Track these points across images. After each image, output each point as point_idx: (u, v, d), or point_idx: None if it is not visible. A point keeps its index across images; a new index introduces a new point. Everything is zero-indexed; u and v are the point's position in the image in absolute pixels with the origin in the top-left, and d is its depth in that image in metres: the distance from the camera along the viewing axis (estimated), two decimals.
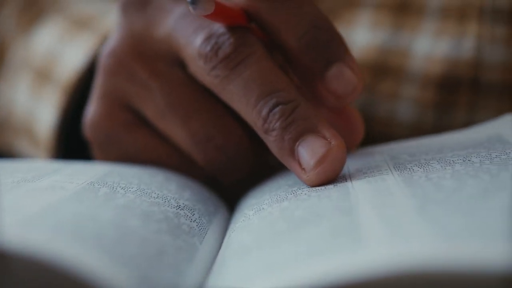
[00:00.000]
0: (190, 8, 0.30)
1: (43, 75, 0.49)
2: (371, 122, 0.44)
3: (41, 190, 0.29)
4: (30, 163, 0.38)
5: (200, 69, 0.34)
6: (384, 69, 0.44)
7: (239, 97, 0.33)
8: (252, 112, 0.32)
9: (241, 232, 0.30)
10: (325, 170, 0.31)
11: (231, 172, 0.37)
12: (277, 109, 0.32)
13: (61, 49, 0.48)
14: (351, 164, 0.34)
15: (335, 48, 0.33)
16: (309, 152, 0.31)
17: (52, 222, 0.25)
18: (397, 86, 0.44)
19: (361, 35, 0.45)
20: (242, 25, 0.34)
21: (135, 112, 0.38)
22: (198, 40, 0.34)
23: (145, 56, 0.37)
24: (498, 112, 0.43)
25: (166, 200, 0.32)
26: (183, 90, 0.36)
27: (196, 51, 0.33)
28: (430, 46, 0.44)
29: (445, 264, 0.21)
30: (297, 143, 0.31)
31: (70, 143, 0.45)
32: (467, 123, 0.43)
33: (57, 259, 0.22)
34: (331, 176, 0.31)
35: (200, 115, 0.36)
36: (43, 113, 0.47)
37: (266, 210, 0.31)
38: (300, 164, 0.31)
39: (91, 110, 0.39)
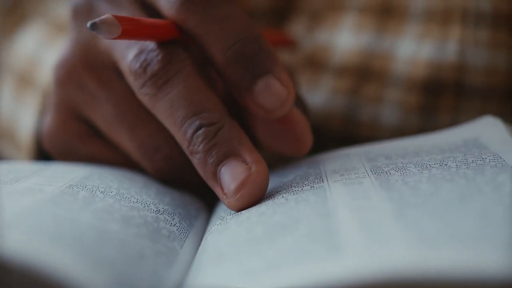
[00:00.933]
0: (94, 32, 0.30)
1: (25, 79, 0.49)
2: (355, 126, 0.45)
3: (19, 193, 0.30)
4: (11, 165, 0.38)
5: (132, 85, 0.34)
6: (368, 72, 0.45)
7: (166, 116, 0.33)
8: (178, 132, 0.32)
9: (217, 236, 0.30)
10: (244, 196, 0.31)
11: (181, 180, 0.37)
12: (200, 131, 0.32)
13: (43, 53, 0.49)
14: (328, 164, 0.35)
15: (262, 61, 0.32)
16: (229, 177, 0.31)
17: (30, 224, 0.25)
18: (381, 89, 0.44)
19: (345, 38, 0.45)
20: (174, 39, 0.34)
21: (88, 122, 0.38)
22: (130, 56, 0.34)
23: (93, 66, 0.37)
24: (481, 114, 0.43)
25: (146, 205, 0.32)
26: (129, 100, 0.36)
27: (127, 67, 0.34)
28: (414, 50, 0.44)
29: (423, 271, 0.21)
30: (219, 167, 0.32)
31: None
32: (451, 126, 0.43)
33: (33, 262, 0.22)
34: (251, 201, 0.31)
35: (147, 125, 0.36)
36: (25, 117, 0.47)
37: (243, 214, 0.31)
38: (222, 188, 0.32)
39: (47, 121, 0.39)
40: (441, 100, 0.44)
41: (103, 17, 0.30)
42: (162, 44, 0.33)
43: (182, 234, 0.32)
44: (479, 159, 0.32)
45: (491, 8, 0.43)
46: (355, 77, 0.45)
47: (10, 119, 0.49)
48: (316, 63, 0.46)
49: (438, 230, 0.24)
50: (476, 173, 0.30)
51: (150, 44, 0.33)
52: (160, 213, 0.32)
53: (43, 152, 0.45)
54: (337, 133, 0.45)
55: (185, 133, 0.32)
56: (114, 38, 0.30)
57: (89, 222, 0.27)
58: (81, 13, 0.37)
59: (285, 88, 0.33)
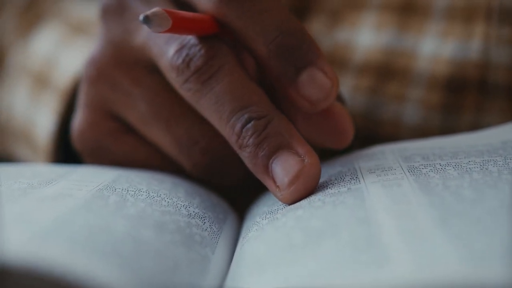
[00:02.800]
0: (145, 26, 0.29)
1: (41, 81, 0.48)
2: (377, 124, 0.44)
3: (50, 199, 0.29)
4: (33, 168, 0.37)
5: (173, 81, 0.33)
6: (389, 70, 0.44)
7: (212, 111, 0.32)
8: (225, 127, 0.32)
9: (254, 243, 0.29)
10: (299, 188, 0.31)
11: (220, 176, 0.36)
12: (250, 124, 0.31)
13: (59, 54, 0.48)
14: (362, 163, 0.34)
15: (305, 53, 0.32)
16: (282, 170, 0.31)
17: (66, 235, 0.24)
18: (403, 88, 0.44)
19: (366, 37, 0.45)
20: (214, 34, 0.33)
21: (121, 119, 0.37)
22: (170, 51, 0.33)
23: (125, 63, 0.36)
24: (505, 113, 0.43)
25: (177, 208, 0.31)
26: (164, 96, 0.35)
27: (168, 62, 0.33)
28: (436, 47, 0.43)
29: (475, 286, 0.21)
30: (271, 160, 0.31)
31: (68, 148, 0.44)
32: (474, 125, 0.42)
33: (74, 275, 0.21)
34: (304, 194, 0.31)
35: (183, 120, 0.35)
36: (42, 118, 0.46)
37: (280, 219, 0.30)
38: (274, 181, 0.31)
39: (78, 120, 0.38)
40: (464, 99, 0.43)
41: (154, 9, 0.30)
42: (203, 39, 0.33)
43: (213, 239, 0.31)
44: None
45: None
46: (377, 76, 0.44)
47: (26, 120, 0.48)
48: (337, 62, 0.45)
49: (484, 245, 0.23)
50: None
51: (191, 39, 0.33)
52: (191, 217, 0.31)
53: (61, 154, 0.44)
54: (358, 132, 0.44)
55: (233, 128, 0.31)
56: (164, 32, 0.30)
57: (123, 230, 0.26)
58: (112, 12, 0.36)
59: (329, 80, 0.32)
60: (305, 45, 0.32)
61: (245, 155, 0.32)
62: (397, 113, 0.44)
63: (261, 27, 0.32)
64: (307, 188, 0.31)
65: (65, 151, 0.44)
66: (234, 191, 0.38)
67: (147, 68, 0.36)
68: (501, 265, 0.22)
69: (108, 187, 0.31)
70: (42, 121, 0.46)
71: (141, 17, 0.29)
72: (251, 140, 0.31)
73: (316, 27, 0.46)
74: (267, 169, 0.31)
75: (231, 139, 0.32)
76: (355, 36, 0.45)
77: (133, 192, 0.31)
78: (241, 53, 0.35)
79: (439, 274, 0.21)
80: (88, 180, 0.32)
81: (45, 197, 0.29)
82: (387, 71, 0.44)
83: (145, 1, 0.35)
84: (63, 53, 0.47)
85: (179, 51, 0.33)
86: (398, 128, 0.44)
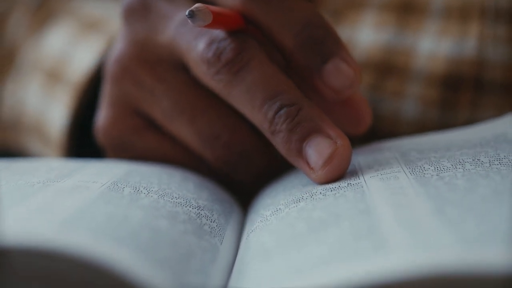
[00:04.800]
0: (189, 20, 0.32)
1: (54, 76, 0.50)
2: (376, 120, 0.46)
3: (68, 191, 0.30)
4: (47, 163, 0.39)
5: (203, 74, 0.35)
6: (388, 68, 0.46)
7: (244, 101, 0.34)
8: (258, 114, 0.34)
9: (260, 233, 0.31)
10: (333, 169, 0.33)
11: (241, 169, 0.38)
12: (282, 111, 0.33)
13: (72, 50, 0.49)
14: (361, 159, 0.36)
15: (330, 44, 0.35)
16: (316, 152, 0.33)
17: (89, 224, 0.26)
18: (401, 84, 0.46)
19: (366, 35, 0.46)
20: (241, 29, 0.35)
21: (144, 116, 0.39)
22: (200, 46, 0.35)
23: (149, 61, 0.38)
24: (500, 110, 0.44)
25: (187, 200, 0.33)
26: (187, 92, 0.37)
27: (199, 56, 0.35)
28: (434, 46, 0.45)
29: (468, 270, 0.22)
30: (304, 144, 0.33)
31: (80, 142, 0.46)
32: (470, 121, 0.44)
33: (100, 260, 0.23)
34: (338, 174, 0.33)
35: (206, 115, 0.37)
36: (54, 113, 0.48)
37: (283, 210, 0.32)
38: (308, 164, 0.33)
39: (102, 116, 0.40)
40: (460, 95, 0.45)
41: (197, 5, 0.32)
42: (232, 33, 0.35)
43: (221, 230, 0.32)
44: (510, 155, 0.32)
45: (510, 4, 0.45)
46: (377, 73, 0.46)
47: (38, 115, 0.50)
48: None
49: (478, 230, 0.24)
50: (508, 168, 0.31)
51: (220, 34, 0.35)
52: (201, 208, 0.33)
53: (73, 148, 0.46)
54: None
55: (266, 115, 0.34)
56: (204, 26, 0.32)
57: (140, 219, 0.28)
58: (135, 12, 0.38)
59: (352, 69, 0.35)
60: (330, 38, 0.35)
61: (278, 140, 0.34)
62: (396, 109, 0.46)
63: (288, 21, 0.34)
64: (340, 169, 0.33)
65: (77, 146, 0.46)
66: (244, 188, 0.40)
67: (170, 65, 0.37)
68: (494, 246, 0.23)
69: (121, 180, 0.33)
70: (55, 115, 0.48)
71: (186, 12, 0.31)
72: (284, 125, 0.33)
73: None
74: (300, 153, 0.33)
75: (264, 126, 0.34)
76: (356, 34, 0.47)
77: (145, 185, 0.33)
78: (266, 48, 0.37)
79: (435, 256, 0.23)
80: (101, 174, 0.34)
81: (63, 189, 0.31)
82: (386, 68, 0.46)
83: (169, 1, 0.37)
84: (75, 49, 0.49)
85: (209, 45, 0.35)
86: (397, 123, 0.46)
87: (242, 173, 0.38)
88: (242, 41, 0.35)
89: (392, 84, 0.46)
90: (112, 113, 0.39)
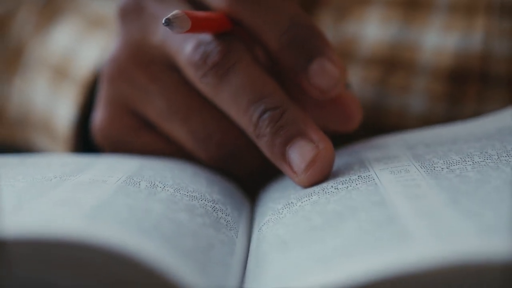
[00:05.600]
0: (167, 28, 0.32)
1: (61, 72, 0.51)
2: (384, 114, 0.47)
3: (87, 184, 0.31)
4: (59, 158, 0.39)
5: (191, 76, 0.36)
6: (395, 63, 0.47)
7: (231, 103, 0.35)
8: (243, 118, 0.35)
9: (274, 226, 0.31)
10: (315, 172, 0.34)
11: (234, 167, 0.39)
12: (266, 115, 0.34)
13: (78, 46, 0.50)
14: (369, 153, 0.36)
15: (315, 44, 0.35)
16: (299, 156, 0.34)
17: (112, 215, 0.27)
18: (408, 79, 0.46)
19: (372, 31, 0.47)
20: (227, 31, 0.36)
21: (140, 115, 0.40)
22: (187, 48, 0.36)
23: (144, 62, 0.39)
24: (506, 103, 0.45)
25: (202, 194, 0.34)
26: (181, 92, 0.38)
27: (186, 59, 0.36)
28: (440, 40, 0.46)
29: (491, 260, 0.23)
30: (287, 147, 0.34)
31: (88, 138, 0.47)
32: (476, 114, 0.45)
33: (127, 250, 0.24)
34: (321, 177, 0.34)
35: (199, 115, 0.38)
36: (61, 109, 0.49)
37: (296, 204, 0.32)
38: (291, 167, 0.34)
39: (98, 116, 0.41)
40: (466, 89, 0.46)
41: (174, 12, 0.32)
42: (218, 36, 0.35)
43: (235, 223, 0.33)
44: None
45: None
46: (383, 68, 0.47)
47: (46, 111, 0.51)
48: (345, 55, 0.47)
49: (494, 217, 0.25)
50: None
51: (207, 37, 0.35)
52: (215, 202, 0.33)
53: (80, 143, 0.47)
54: (366, 122, 0.47)
55: (250, 118, 0.34)
56: (184, 32, 0.32)
57: (161, 212, 0.29)
58: (130, 12, 0.39)
59: (337, 69, 0.35)
60: (314, 37, 0.35)
61: (262, 144, 0.34)
62: (403, 103, 0.46)
63: (273, 21, 0.35)
64: (323, 172, 0.34)
65: (84, 141, 0.47)
66: (250, 179, 0.41)
67: (164, 66, 0.38)
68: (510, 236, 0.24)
69: (136, 174, 0.34)
70: (62, 111, 0.49)
71: (163, 20, 0.32)
72: (268, 129, 0.34)
73: (324, 21, 0.48)
74: (284, 156, 0.34)
75: (249, 129, 0.35)
76: (362, 29, 0.47)
77: (160, 179, 0.34)
78: (253, 49, 0.37)
79: (459, 247, 0.23)
80: (114, 169, 0.35)
81: (82, 183, 0.31)
82: (393, 63, 0.47)
83: (161, 1, 0.38)
84: (82, 45, 0.50)
85: (196, 47, 0.35)
86: (404, 118, 0.47)
87: (235, 171, 0.39)
88: (228, 43, 0.35)
89: (399, 79, 0.46)
90: (108, 113, 0.40)
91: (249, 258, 0.31)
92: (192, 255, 0.26)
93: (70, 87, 0.49)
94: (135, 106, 0.39)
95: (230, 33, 0.36)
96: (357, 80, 0.47)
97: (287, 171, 0.34)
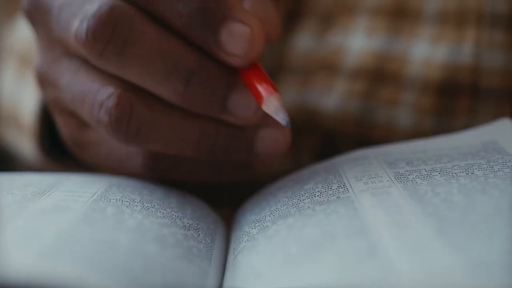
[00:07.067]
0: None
1: (26, 60, 0.50)
2: (370, 129, 0.46)
3: (49, 212, 0.30)
4: (22, 177, 0.38)
5: (88, 58, 0.34)
6: (382, 75, 0.46)
7: (143, 77, 0.34)
8: (163, 88, 0.34)
9: (249, 254, 0.31)
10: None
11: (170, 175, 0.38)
12: (192, 82, 0.33)
13: None
14: (347, 169, 0.35)
15: (215, 12, 0.33)
16: (242, 102, 0.34)
17: (73, 250, 0.26)
18: (396, 92, 0.46)
19: (358, 41, 0.46)
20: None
21: (73, 113, 0.39)
22: (73, 28, 0.34)
23: (54, 59, 0.37)
24: (496, 117, 0.44)
25: (172, 220, 0.33)
26: (84, 78, 0.36)
27: (74, 40, 0.34)
28: (429, 52, 0.45)
29: None
30: (228, 99, 0.34)
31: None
32: (466, 128, 0.44)
33: None
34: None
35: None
36: (27, 98, 0.48)
37: (270, 228, 0.32)
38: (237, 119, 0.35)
39: (57, 124, 0.40)
40: (456, 103, 0.45)
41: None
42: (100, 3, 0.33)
43: (208, 251, 0.32)
44: (505, 167, 0.33)
45: (507, 10, 0.44)
46: (369, 80, 0.46)
47: (13, 102, 0.50)
48: (330, 66, 0.46)
49: (485, 252, 0.25)
50: (506, 183, 0.31)
51: (89, 9, 0.34)
52: (187, 229, 0.33)
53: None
54: (352, 136, 0.46)
55: (174, 89, 0.33)
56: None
57: (128, 244, 0.28)
58: (31, 14, 0.38)
59: (248, 27, 0.33)
60: (211, 4, 0.33)
61: (197, 108, 0.34)
62: (390, 117, 0.46)
63: (170, 4, 0.33)
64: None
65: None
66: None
67: (67, 57, 0.37)
68: (503, 273, 0.23)
69: (102, 198, 0.33)
70: (27, 101, 0.48)
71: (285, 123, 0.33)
72: (199, 94, 0.34)
73: (309, 31, 0.47)
74: (225, 108, 0.34)
75: (174, 99, 0.34)
76: (347, 40, 0.46)
77: (127, 203, 0.33)
78: None
79: (448, 284, 0.23)
80: (80, 190, 0.34)
81: (43, 210, 0.30)
82: (379, 76, 0.46)
83: None
84: None
85: (80, 25, 0.34)
86: (391, 132, 0.46)
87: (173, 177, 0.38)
88: (112, 9, 0.33)
89: (386, 91, 0.46)
90: (59, 119, 0.40)
91: None
92: None
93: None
94: (64, 107, 0.38)
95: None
96: (343, 92, 0.46)
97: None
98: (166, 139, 0.35)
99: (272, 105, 0.33)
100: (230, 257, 0.32)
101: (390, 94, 0.45)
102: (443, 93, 0.45)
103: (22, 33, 0.50)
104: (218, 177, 0.38)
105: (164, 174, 0.37)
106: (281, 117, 0.33)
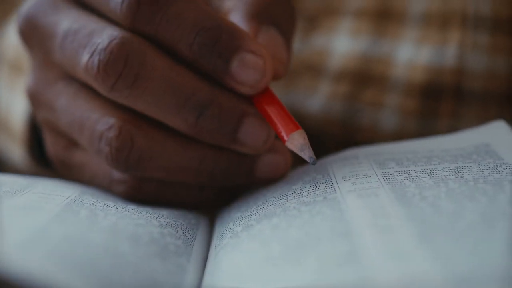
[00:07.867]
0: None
1: (16, 67, 0.49)
2: (355, 131, 0.46)
3: (23, 209, 0.30)
4: None
5: (99, 90, 0.34)
6: (366, 77, 0.46)
7: (155, 110, 0.34)
8: (174, 120, 0.34)
9: (231, 252, 0.30)
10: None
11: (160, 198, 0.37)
12: (204, 114, 0.33)
13: None
14: (336, 169, 0.35)
15: (228, 42, 0.33)
16: (252, 135, 0.34)
17: (45, 246, 0.26)
18: (379, 94, 0.45)
19: (342, 43, 0.46)
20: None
21: (65, 134, 0.38)
22: (83, 60, 0.34)
23: (50, 81, 0.37)
24: (480, 120, 0.44)
25: (148, 220, 0.33)
26: (82, 104, 0.36)
27: (86, 74, 0.34)
28: (413, 54, 0.45)
29: None
30: (238, 131, 0.34)
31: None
32: (450, 131, 0.44)
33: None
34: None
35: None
36: (17, 105, 0.48)
37: (255, 227, 0.31)
38: (246, 148, 0.35)
39: (46, 140, 0.40)
40: (440, 105, 0.45)
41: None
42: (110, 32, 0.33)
43: (187, 247, 0.32)
44: (495, 172, 0.32)
45: (491, 12, 0.44)
46: (354, 82, 0.46)
47: (4, 109, 0.50)
48: (314, 68, 0.46)
49: (468, 263, 0.24)
50: (495, 189, 0.30)
51: (100, 40, 0.33)
52: (163, 227, 0.32)
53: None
54: (336, 138, 0.46)
55: (185, 121, 0.34)
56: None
57: (100, 243, 0.28)
58: (27, 34, 0.37)
59: (260, 58, 0.34)
60: (224, 35, 0.33)
61: (207, 139, 0.34)
62: (375, 120, 0.45)
63: (179, 30, 0.33)
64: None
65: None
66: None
67: (65, 80, 0.37)
68: (483, 286, 0.23)
69: (76, 202, 0.33)
70: (17, 109, 0.47)
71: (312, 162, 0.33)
72: (212, 126, 0.34)
73: None
74: (236, 139, 0.34)
75: (185, 130, 0.34)
76: (331, 42, 0.46)
77: (101, 207, 0.33)
78: None
79: None
80: (53, 193, 0.34)
81: (18, 207, 0.30)
82: (363, 78, 0.45)
83: (54, 11, 0.36)
84: None
85: (91, 58, 0.33)
86: (375, 134, 0.45)
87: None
88: (123, 42, 0.33)
89: (370, 94, 0.45)
90: (47, 136, 0.39)
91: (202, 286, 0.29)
92: None
93: (24, 81, 0.47)
94: (56, 127, 0.38)
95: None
96: (327, 95, 0.46)
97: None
98: (166, 167, 0.35)
99: (298, 142, 0.33)
100: (212, 252, 0.32)
101: (374, 96, 0.45)
102: (427, 96, 0.45)
103: (12, 39, 0.50)
104: (203, 200, 0.37)
105: (149, 198, 0.37)
106: (307, 156, 0.33)
